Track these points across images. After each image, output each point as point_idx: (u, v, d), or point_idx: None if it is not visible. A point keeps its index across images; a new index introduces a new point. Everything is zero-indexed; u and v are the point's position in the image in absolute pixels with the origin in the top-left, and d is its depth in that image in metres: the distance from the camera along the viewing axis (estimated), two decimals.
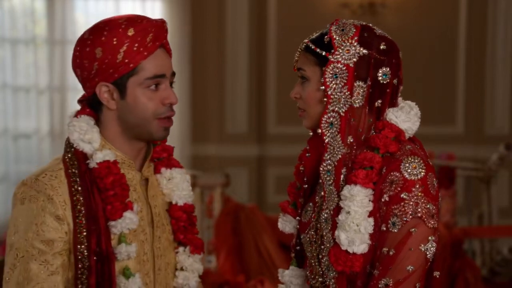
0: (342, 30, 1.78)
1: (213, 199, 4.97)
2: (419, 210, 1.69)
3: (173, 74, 1.89)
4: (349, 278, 1.74)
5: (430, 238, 1.71)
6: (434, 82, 7.04)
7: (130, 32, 1.83)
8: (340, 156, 1.74)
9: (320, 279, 1.81)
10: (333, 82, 1.75)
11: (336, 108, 1.75)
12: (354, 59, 1.75)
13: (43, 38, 6.24)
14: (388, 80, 1.76)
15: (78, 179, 1.84)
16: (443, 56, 7.06)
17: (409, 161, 1.73)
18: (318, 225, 1.83)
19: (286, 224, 1.93)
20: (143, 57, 1.82)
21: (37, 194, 1.82)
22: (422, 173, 1.71)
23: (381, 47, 1.77)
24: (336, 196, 1.74)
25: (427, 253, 1.71)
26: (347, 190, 1.72)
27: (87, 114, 1.90)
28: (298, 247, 1.93)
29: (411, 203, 1.70)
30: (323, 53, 1.77)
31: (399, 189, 1.70)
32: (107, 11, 6.19)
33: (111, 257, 1.82)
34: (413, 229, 1.69)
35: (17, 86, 6.15)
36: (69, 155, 1.87)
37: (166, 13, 6.74)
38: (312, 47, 1.79)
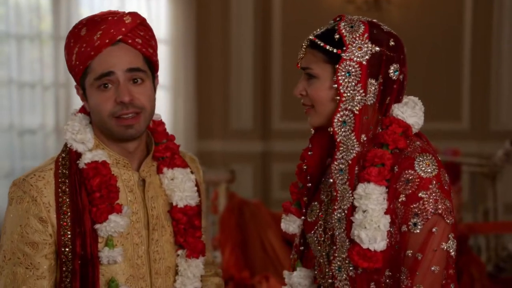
0: (351, 27, 1.75)
1: (218, 195, 4.97)
2: (440, 207, 1.69)
3: (135, 69, 1.78)
4: (368, 278, 1.72)
5: (450, 235, 1.71)
6: (440, 78, 7.02)
7: (83, 32, 1.77)
8: (354, 154, 1.72)
9: (330, 280, 1.80)
10: (346, 80, 1.73)
11: (349, 107, 1.73)
12: (367, 57, 1.73)
13: (49, 34, 6.24)
14: (397, 76, 1.76)
15: (67, 180, 1.79)
16: (448, 52, 7.04)
17: (422, 159, 1.72)
18: (327, 224, 1.81)
19: (290, 224, 1.90)
20: (91, 58, 1.76)
21: (23, 195, 1.79)
22: (436, 170, 1.71)
23: (390, 43, 1.76)
24: (351, 195, 1.72)
25: (450, 250, 1.71)
26: (361, 189, 1.70)
27: (84, 113, 1.86)
28: (302, 247, 1.91)
29: (431, 200, 1.69)
30: (335, 51, 1.74)
31: (415, 187, 1.70)
32: (112, 8, 6.18)
33: (96, 261, 1.77)
34: (434, 228, 1.69)
35: (23, 82, 6.15)
36: (63, 155, 1.84)
37: (171, 9, 6.74)
38: (321, 44, 1.76)
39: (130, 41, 1.79)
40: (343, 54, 1.73)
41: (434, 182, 1.70)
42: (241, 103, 7.18)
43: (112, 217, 1.77)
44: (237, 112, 7.19)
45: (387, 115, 1.77)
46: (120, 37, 1.77)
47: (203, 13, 6.96)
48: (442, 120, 6.84)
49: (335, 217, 1.75)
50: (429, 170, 1.71)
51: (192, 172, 1.95)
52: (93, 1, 6.35)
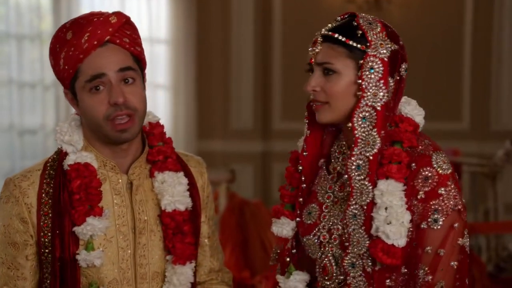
0: (370, 23, 1.75)
1: (218, 195, 4.97)
2: (459, 203, 1.71)
3: (126, 68, 1.77)
4: (386, 274, 1.72)
5: (465, 232, 1.73)
6: (440, 78, 7.02)
7: (69, 36, 1.75)
8: (376, 150, 1.72)
9: (339, 278, 1.78)
10: (369, 76, 1.72)
11: (370, 103, 1.72)
12: (388, 54, 1.73)
13: (49, 34, 6.23)
14: (405, 75, 1.78)
15: (52, 181, 1.79)
16: (448, 52, 7.04)
17: (437, 156, 1.74)
18: (332, 225, 1.80)
19: (283, 227, 1.87)
20: (79, 61, 1.74)
21: (9, 195, 1.79)
22: (450, 168, 1.73)
23: (400, 42, 1.78)
24: (371, 191, 1.71)
25: (466, 246, 1.73)
26: (384, 185, 1.70)
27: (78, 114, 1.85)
28: (294, 250, 1.88)
29: (450, 196, 1.71)
30: (359, 46, 1.73)
31: (434, 184, 1.71)
32: (113, 7, 6.19)
33: (75, 264, 1.76)
34: (456, 224, 1.71)
35: (23, 82, 6.15)
36: (55, 155, 1.84)
37: (171, 9, 6.74)
38: (343, 40, 1.74)
39: (118, 41, 1.77)
40: (368, 50, 1.72)
41: (451, 179, 1.72)
42: (241, 103, 7.17)
43: (90, 219, 1.76)
44: (237, 112, 7.18)
45: (394, 112, 1.78)
46: (108, 37, 1.75)
47: (203, 13, 6.95)
48: (442, 120, 6.83)
49: (350, 213, 1.74)
50: (446, 167, 1.72)
51: (186, 176, 1.90)
52: (93, 1, 6.34)
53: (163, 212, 1.84)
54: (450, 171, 1.72)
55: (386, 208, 1.69)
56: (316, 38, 1.77)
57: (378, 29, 1.74)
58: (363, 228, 1.72)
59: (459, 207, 1.71)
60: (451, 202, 1.71)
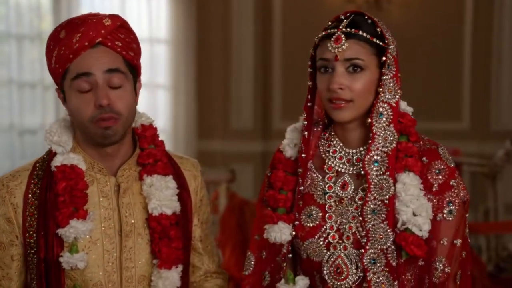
0: (379, 21, 1.78)
1: (218, 195, 4.97)
2: (467, 193, 1.77)
3: (114, 70, 1.74)
4: (409, 266, 1.74)
5: (467, 222, 1.78)
6: (440, 78, 7.02)
7: (62, 35, 1.75)
8: (394, 145, 1.75)
9: (355, 277, 1.77)
10: (387, 72, 1.76)
11: (386, 99, 1.75)
12: (395, 52, 1.77)
13: (49, 34, 6.24)
14: None
15: (40, 182, 1.79)
16: (448, 52, 7.04)
17: (442, 150, 1.78)
18: (339, 225, 1.78)
19: (282, 232, 1.80)
20: (69, 60, 1.73)
21: None
22: (453, 161, 1.77)
23: None
24: (392, 185, 1.73)
25: (468, 236, 1.78)
26: (407, 178, 1.73)
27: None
28: (290, 255, 1.84)
29: (460, 187, 1.76)
30: (381, 44, 1.75)
31: (446, 177, 1.75)
32: (113, 7, 6.18)
33: (59, 265, 1.75)
34: (467, 214, 1.76)
35: (23, 82, 6.15)
36: (45, 156, 1.84)
37: (171, 9, 6.74)
38: (368, 37, 1.74)
39: (109, 43, 1.75)
40: (389, 47, 1.75)
41: (456, 171, 1.77)
42: (241, 103, 7.17)
43: (73, 222, 1.74)
44: (237, 112, 7.18)
45: None
46: (100, 39, 1.74)
47: (203, 13, 6.95)
48: (442, 120, 6.83)
49: (368, 209, 1.74)
50: (451, 160, 1.77)
51: (177, 179, 1.88)
52: (93, 1, 6.34)
53: (150, 216, 1.83)
54: (454, 164, 1.77)
55: (412, 201, 1.71)
56: (338, 35, 1.74)
57: (386, 27, 1.78)
58: (385, 222, 1.72)
59: (467, 197, 1.76)
60: (461, 194, 1.75)
